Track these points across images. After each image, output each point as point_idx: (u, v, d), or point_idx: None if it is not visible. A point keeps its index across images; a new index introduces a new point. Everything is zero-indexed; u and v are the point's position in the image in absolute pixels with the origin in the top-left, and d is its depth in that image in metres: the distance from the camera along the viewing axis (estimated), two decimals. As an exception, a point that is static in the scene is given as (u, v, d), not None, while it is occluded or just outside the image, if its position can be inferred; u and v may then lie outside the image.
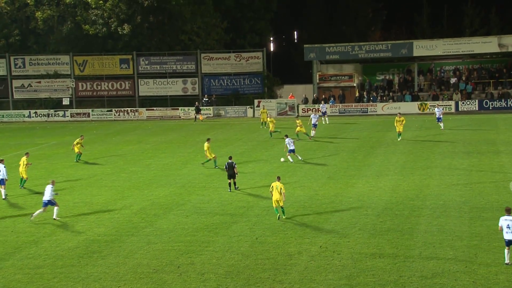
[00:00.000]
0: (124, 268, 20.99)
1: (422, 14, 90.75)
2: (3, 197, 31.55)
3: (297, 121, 48.28)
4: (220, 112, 69.96)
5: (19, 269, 21.27)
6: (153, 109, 71.89)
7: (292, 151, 38.48)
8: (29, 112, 73.45)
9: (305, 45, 72.19)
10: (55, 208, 27.20)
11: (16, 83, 76.72)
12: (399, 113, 48.03)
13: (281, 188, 25.83)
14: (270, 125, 50.45)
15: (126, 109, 72.33)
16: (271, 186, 26.20)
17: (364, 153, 41.11)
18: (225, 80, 75.21)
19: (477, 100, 65.79)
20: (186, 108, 71.00)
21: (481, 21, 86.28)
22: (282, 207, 26.13)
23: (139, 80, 75.72)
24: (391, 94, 69.80)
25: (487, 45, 67.08)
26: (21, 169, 34.17)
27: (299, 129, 47.20)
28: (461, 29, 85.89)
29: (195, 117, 66.80)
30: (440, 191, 30.03)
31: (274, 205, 26.23)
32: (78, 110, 73.68)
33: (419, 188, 30.85)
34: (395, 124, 46.25)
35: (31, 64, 76.58)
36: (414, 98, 67.82)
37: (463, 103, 65.55)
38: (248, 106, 70.19)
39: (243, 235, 24.23)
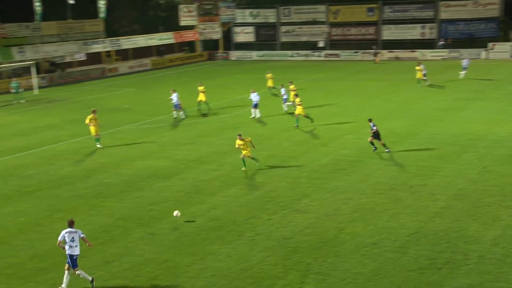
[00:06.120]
0: (365, 184, 21.23)
1: None
2: (182, 116, 35.07)
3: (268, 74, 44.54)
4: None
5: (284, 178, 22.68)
6: (393, 51, 69.84)
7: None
8: (292, 52, 76.24)
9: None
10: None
11: (283, 29, 79.79)
12: None
13: (250, 142, 23.72)
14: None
15: (370, 51, 71.27)
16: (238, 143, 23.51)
17: None
18: (461, 25, 69.91)
19: None
20: (423, 51, 67.76)
21: None
22: (252, 157, 23.68)
23: (383, 26, 73.82)
24: None
25: None
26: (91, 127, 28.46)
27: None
28: None
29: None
30: None
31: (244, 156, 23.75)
32: (331, 52, 74.57)
33: None
34: None
35: (295, 13, 78.85)
36: None
37: None
38: (482, 49, 64.64)
39: (472, 164, 22.92)
